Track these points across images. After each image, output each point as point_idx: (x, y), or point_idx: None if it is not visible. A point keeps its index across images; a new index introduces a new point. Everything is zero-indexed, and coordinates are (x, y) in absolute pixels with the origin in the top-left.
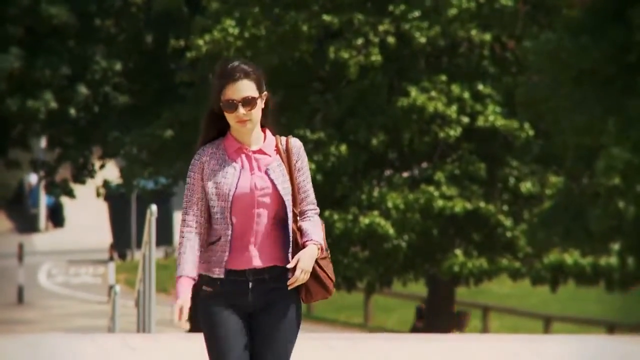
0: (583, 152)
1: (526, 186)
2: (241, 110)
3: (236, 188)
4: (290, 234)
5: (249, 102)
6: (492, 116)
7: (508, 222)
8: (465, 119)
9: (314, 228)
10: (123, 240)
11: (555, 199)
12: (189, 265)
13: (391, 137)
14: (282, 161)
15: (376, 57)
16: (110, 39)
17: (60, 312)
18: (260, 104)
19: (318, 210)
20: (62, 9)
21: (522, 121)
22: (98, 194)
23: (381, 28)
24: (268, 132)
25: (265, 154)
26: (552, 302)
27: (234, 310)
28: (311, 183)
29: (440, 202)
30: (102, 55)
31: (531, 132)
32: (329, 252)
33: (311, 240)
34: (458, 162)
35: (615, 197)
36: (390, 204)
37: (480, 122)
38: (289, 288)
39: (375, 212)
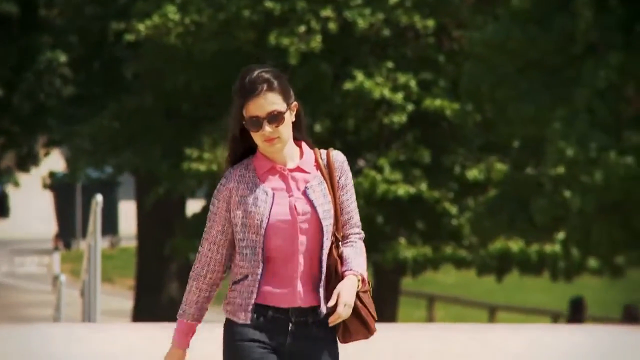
0: (529, 141)
1: (472, 174)
2: (267, 128)
3: (269, 218)
4: (325, 266)
5: (275, 118)
6: (439, 100)
7: (453, 210)
8: (411, 106)
9: (355, 256)
10: (68, 230)
11: (501, 188)
12: (191, 309)
13: (336, 124)
14: (324, 178)
15: (317, 44)
16: (55, 28)
17: (5, 302)
18: (290, 117)
19: (363, 235)
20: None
21: (467, 109)
22: (44, 185)
23: (323, 14)
24: (305, 145)
25: (304, 171)
26: (497, 292)
27: (265, 349)
28: (356, 202)
29: (383, 187)
30: (47, 45)
31: (477, 118)
32: (370, 284)
33: (351, 270)
34: (403, 149)
35: (560, 187)
36: None
37: (427, 103)
38: (330, 325)
39: None
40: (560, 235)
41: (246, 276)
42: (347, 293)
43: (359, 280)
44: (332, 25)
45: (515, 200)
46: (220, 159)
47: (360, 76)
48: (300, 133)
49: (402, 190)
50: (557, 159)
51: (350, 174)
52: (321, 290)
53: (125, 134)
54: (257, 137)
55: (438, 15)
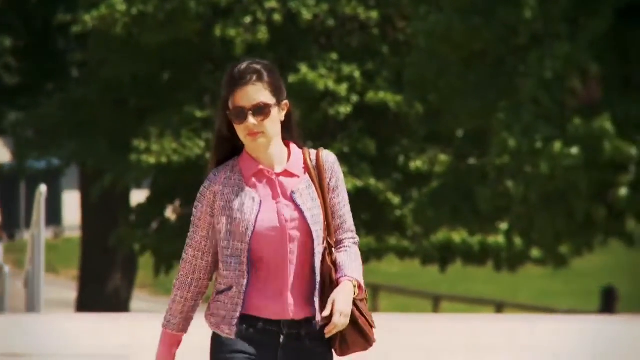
0: (473, 132)
1: (415, 164)
2: (251, 119)
3: (255, 225)
4: (318, 274)
5: (261, 110)
6: (383, 93)
7: (397, 201)
8: (355, 97)
9: (350, 261)
10: (12, 220)
11: (444, 178)
12: (176, 319)
13: None
14: (313, 181)
15: (263, 35)
16: None
17: None
18: (278, 114)
19: (357, 239)
20: None
21: (411, 100)
22: None
23: (267, 5)
24: (293, 146)
25: (292, 175)
26: (441, 282)
27: None
28: (349, 205)
29: None
30: None
31: (420, 109)
32: (366, 291)
33: (346, 276)
34: (348, 140)
35: (504, 177)
36: None
37: (370, 95)
38: (327, 336)
39: None
40: (504, 225)
41: (230, 287)
42: (342, 301)
43: (355, 287)
44: (277, 17)
45: (459, 190)
46: (168, 150)
47: (304, 69)
48: (291, 134)
49: (349, 184)
50: (501, 150)
51: (341, 176)
52: (315, 300)
53: (71, 125)
54: (240, 130)
55: (382, 7)
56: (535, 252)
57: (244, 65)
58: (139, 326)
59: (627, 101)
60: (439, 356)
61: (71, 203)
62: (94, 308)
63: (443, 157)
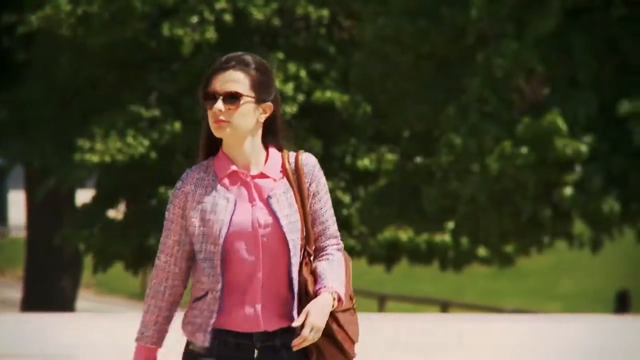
0: (419, 132)
1: (363, 163)
2: (219, 105)
3: (229, 227)
4: (296, 285)
5: (232, 99)
6: (329, 92)
7: (346, 199)
8: (302, 97)
9: (331, 270)
10: None
11: (391, 177)
12: (149, 331)
13: None
14: (291, 185)
15: (211, 35)
16: None
17: None
18: (254, 111)
19: (341, 246)
20: None
21: (357, 99)
22: None
23: (217, 6)
24: (272, 149)
25: (268, 177)
26: (386, 281)
27: None
28: (332, 210)
29: None
30: None
31: (368, 109)
32: (354, 301)
33: (324, 287)
34: (294, 140)
35: (451, 176)
36: None
37: (317, 95)
38: (294, 349)
39: None
40: (450, 224)
41: (207, 293)
42: (316, 314)
43: (334, 299)
44: (226, 17)
45: (405, 189)
46: (113, 150)
47: None
48: (275, 139)
49: None
50: (447, 149)
51: (323, 179)
52: (294, 314)
53: (16, 125)
54: (209, 117)
55: (329, 5)
56: (481, 252)
57: (235, 54)
58: (85, 326)
59: (574, 101)
60: (384, 356)
61: (17, 203)
62: (40, 308)
63: (390, 156)
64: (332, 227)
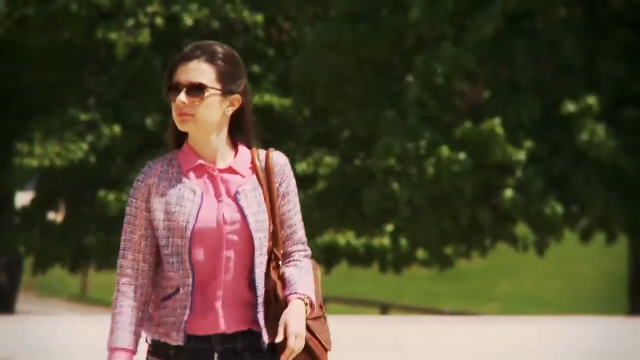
0: (358, 134)
1: (301, 166)
2: (182, 97)
3: (197, 219)
4: (260, 288)
5: (196, 90)
6: (268, 96)
7: None
8: None
9: (300, 276)
10: None
11: (330, 180)
12: (125, 332)
13: (166, 118)
14: (260, 184)
15: (145, 38)
16: None
17: None
18: (219, 104)
19: (309, 252)
20: None
21: (298, 103)
22: None
23: (150, 9)
24: (241, 145)
25: (236, 173)
26: (325, 283)
27: None
28: (300, 214)
29: None
30: None
31: (307, 113)
32: (325, 309)
33: (295, 293)
34: None
35: (390, 179)
36: None
37: (255, 99)
38: None
39: None
40: (390, 227)
41: (177, 289)
42: (294, 322)
43: (306, 305)
44: (159, 20)
45: (346, 192)
46: (52, 154)
47: None
48: (243, 135)
49: None
50: (386, 153)
51: (293, 181)
52: (259, 317)
53: None
54: (173, 109)
55: (267, 8)
56: (420, 254)
57: (202, 42)
58: (25, 328)
59: (514, 105)
60: None
61: None
62: None
63: (329, 159)
64: (300, 231)
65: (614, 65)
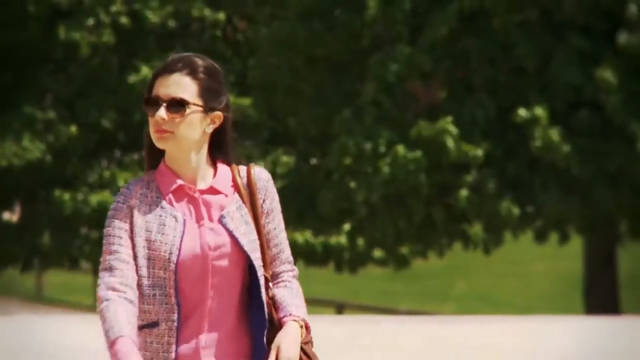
0: (315, 134)
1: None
2: (162, 113)
3: (180, 249)
4: (265, 311)
5: (177, 106)
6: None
7: None
8: None
9: (292, 298)
10: None
11: (287, 179)
12: (123, 325)
13: (122, 118)
14: (244, 202)
15: (108, 38)
16: None
17: None
18: (201, 122)
19: (296, 272)
20: None
21: (257, 103)
22: None
23: (113, 8)
24: (220, 164)
25: (218, 192)
26: None
27: None
28: (285, 232)
29: None
30: None
31: (264, 113)
32: (310, 331)
33: (291, 315)
34: None
35: (346, 179)
36: (121, 183)
37: None
38: None
39: (106, 191)
40: (346, 226)
41: (154, 323)
42: (288, 345)
43: (302, 327)
44: (123, 19)
45: (303, 192)
46: (9, 154)
47: (145, 69)
48: (223, 154)
49: None
50: (342, 152)
51: (276, 197)
52: (249, 347)
53: None
54: (150, 125)
55: (224, 7)
56: (377, 253)
57: (184, 55)
58: None
59: (469, 104)
60: None
61: None
62: None
63: (285, 159)
64: (286, 250)
65: (568, 70)
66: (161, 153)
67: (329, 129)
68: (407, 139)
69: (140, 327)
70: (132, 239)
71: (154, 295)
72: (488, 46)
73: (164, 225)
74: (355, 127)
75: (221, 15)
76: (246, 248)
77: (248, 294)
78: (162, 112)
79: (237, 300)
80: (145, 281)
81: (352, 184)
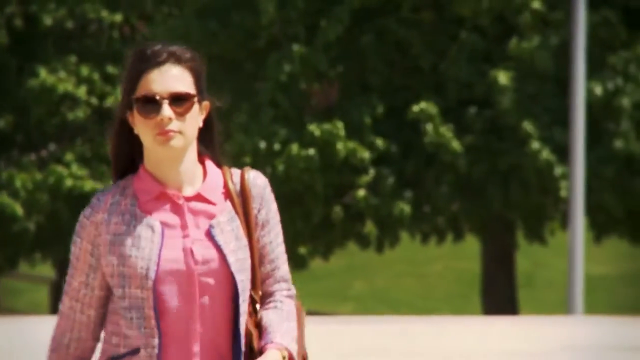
0: None
1: None
2: (167, 111)
3: (158, 264)
4: (242, 342)
5: (182, 101)
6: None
7: None
8: (95, 100)
9: (280, 322)
10: None
11: None
12: None
13: (19, 119)
14: (236, 212)
15: (3, 39)
16: None
17: None
18: (198, 113)
19: (293, 292)
20: None
21: None
22: None
23: (8, 9)
24: (209, 163)
25: (207, 201)
26: None
27: None
28: (283, 246)
29: (69, 182)
30: None
31: None
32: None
33: (272, 342)
34: (89, 144)
35: None
36: (18, 184)
37: (110, 102)
38: None
39: (4, 193)
40: None
41: (136, 350)
42: None
43: (283, 358)
44: (17, 21)
45: None
46: None
47: (43, 73)
48: (210, 148)
49: (89, 186)
50: (238, 151)
51: (274, 205)
52: None
53: None
54: (147, 128)
55: (122, 8)
56: None
57: (158, 46)
58: None
59: (364, 105)
60: None
61: None
62: None
63: None
64: (283, 267)
65: (458, 67)
66: (131, 159)
67: (226, 127)
68: (303, 138)
69: (122, 356)
70: (99, 259)
71: (132, 318)
72: (383, 45)
73: (140, 238)
74: (252, 126)
75: (118, 17)
76: (232, 267)
77: (237, 317)
78: (167, 110)
79: (227, 323)
80: (121, 302)
81: None
